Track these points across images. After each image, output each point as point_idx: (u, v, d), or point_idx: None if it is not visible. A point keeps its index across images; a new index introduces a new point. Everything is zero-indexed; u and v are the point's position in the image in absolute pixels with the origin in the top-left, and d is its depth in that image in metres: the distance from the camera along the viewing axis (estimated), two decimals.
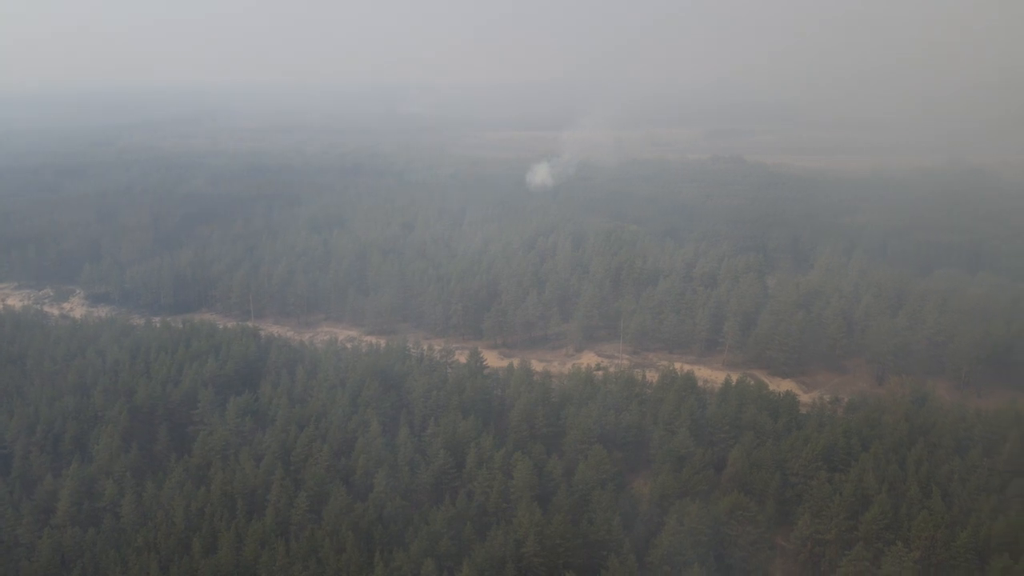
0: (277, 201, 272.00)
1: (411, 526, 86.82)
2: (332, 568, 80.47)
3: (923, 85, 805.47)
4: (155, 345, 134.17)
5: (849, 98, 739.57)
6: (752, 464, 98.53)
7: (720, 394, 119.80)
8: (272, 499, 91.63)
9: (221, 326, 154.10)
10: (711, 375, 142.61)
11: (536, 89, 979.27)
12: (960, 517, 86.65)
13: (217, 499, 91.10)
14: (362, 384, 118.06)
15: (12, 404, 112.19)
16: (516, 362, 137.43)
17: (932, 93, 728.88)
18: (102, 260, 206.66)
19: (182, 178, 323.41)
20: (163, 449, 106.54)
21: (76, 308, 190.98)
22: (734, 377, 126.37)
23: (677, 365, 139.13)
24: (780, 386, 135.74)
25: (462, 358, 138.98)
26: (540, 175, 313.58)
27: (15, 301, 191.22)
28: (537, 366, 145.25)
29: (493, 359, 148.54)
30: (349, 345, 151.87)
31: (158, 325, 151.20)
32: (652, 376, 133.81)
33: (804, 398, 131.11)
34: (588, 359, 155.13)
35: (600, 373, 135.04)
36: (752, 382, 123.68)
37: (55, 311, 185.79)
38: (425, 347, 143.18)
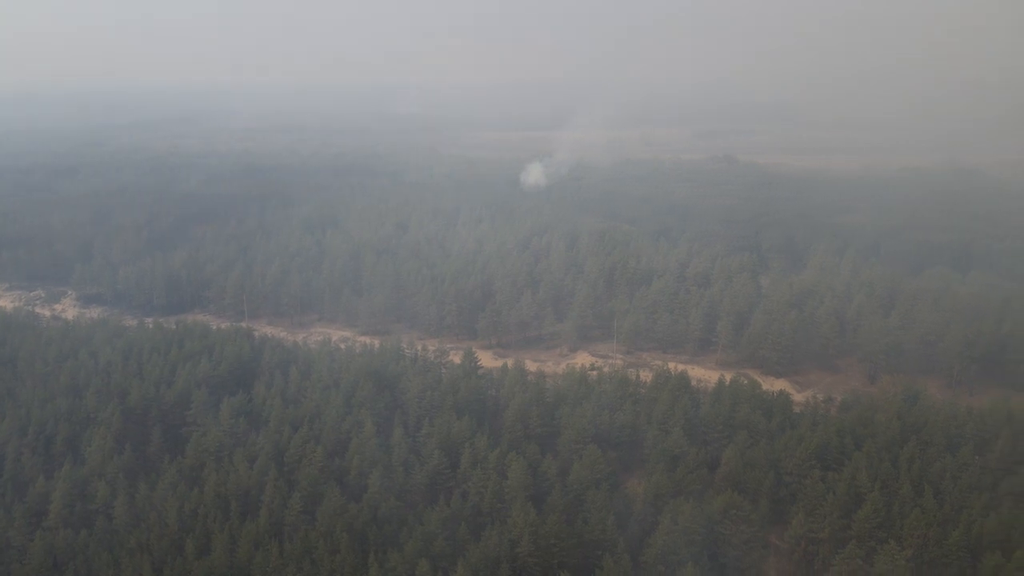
0: (271, 201, 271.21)
1: (405, 527, 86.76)
2: (326, 569, 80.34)
3: (919, 85, 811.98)
4: (148, 346, 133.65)
5: (847, 98, 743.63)
6: (746, 463, 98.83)
7: (714, 394, 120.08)
8: (266, 500, 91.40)
9: (214, 327, 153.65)
10: (705, 375, 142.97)
11: (533, 89, 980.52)
12: (952, 515, 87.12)
13: (211, 500, 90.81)
14: (356, 385, 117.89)
15: (4, 406, 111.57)
16: (510, 362, 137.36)
17: (929, 93, 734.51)
18: (94, 261, 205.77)
19: (175, 178, 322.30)
20: (156, 450, 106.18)
21: (68, 309, 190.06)
22: (728, 376, 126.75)
23: (671, 365, 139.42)
24: (773, 385, 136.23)
25: (456, 358, 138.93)
26: (534, 175, 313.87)
27: (6, 302, 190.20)
28: (531, 366, 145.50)
29: (487, 359, 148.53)
30: (343, 346, 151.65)
31: (151, 326, 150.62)
32: (646, 376, 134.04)
33: (797, 397, 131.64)
34: (582, 359, 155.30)
35: (594, 373, 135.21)
36: (746, 381, 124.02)
37: (47, 312, 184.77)
38: (419, 347, 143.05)
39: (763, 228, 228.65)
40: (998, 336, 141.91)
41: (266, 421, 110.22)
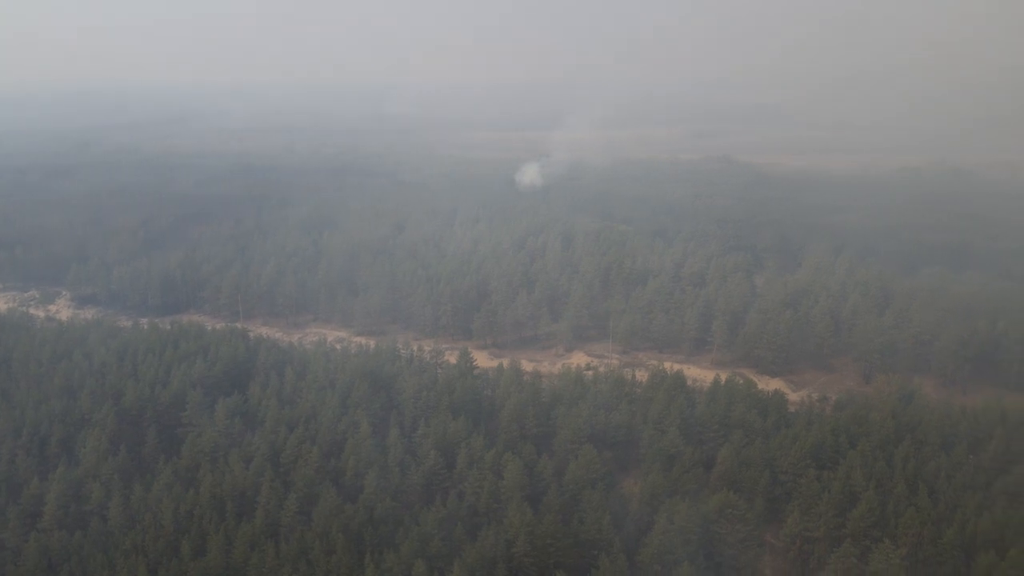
0: (267, 202, 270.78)
1: (401, 527, 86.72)
2: (322, 570, 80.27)
3: (915, 86, 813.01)
4: (143, 347, 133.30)
5: (843, 99, 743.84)
6: (741, 462, 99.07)
7: (709, 393, 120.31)
8: (262, 501, 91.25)
9: (209, 327, 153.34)
10: (700, 374, 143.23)
11: (530, 90, 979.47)
12: (946, 514, 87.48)
13: (206, 501, 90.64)
14: (352, 385, 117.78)
15: None
16: (506, 362, 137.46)
17: (925, 94, 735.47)
18: (89, 261, 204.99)
19: (171, 179, 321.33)
20: (151, 451, 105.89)
21: (62, 310, 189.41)
22: (723, 376, 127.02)
23: (666, 364, 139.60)
24: (769, 385, 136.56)
25: (452, 358, 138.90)
26: (530, 175, 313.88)
27: (0, 303, 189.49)
28: (527, 366, 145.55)
29: (483, 359, 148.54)
30: (338, 346, 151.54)
31: (146, 326, 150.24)
32: (642, 375, 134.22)
33: (792, 396, 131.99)
34: (578, 359, 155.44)
35: (590, 373, 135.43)
36: (741, 381, 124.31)
37: (41, 313, 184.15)
38: (415, 348, 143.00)
39: (758, 228, 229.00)
40: (992, 336, 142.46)
41: (262, 422, 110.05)
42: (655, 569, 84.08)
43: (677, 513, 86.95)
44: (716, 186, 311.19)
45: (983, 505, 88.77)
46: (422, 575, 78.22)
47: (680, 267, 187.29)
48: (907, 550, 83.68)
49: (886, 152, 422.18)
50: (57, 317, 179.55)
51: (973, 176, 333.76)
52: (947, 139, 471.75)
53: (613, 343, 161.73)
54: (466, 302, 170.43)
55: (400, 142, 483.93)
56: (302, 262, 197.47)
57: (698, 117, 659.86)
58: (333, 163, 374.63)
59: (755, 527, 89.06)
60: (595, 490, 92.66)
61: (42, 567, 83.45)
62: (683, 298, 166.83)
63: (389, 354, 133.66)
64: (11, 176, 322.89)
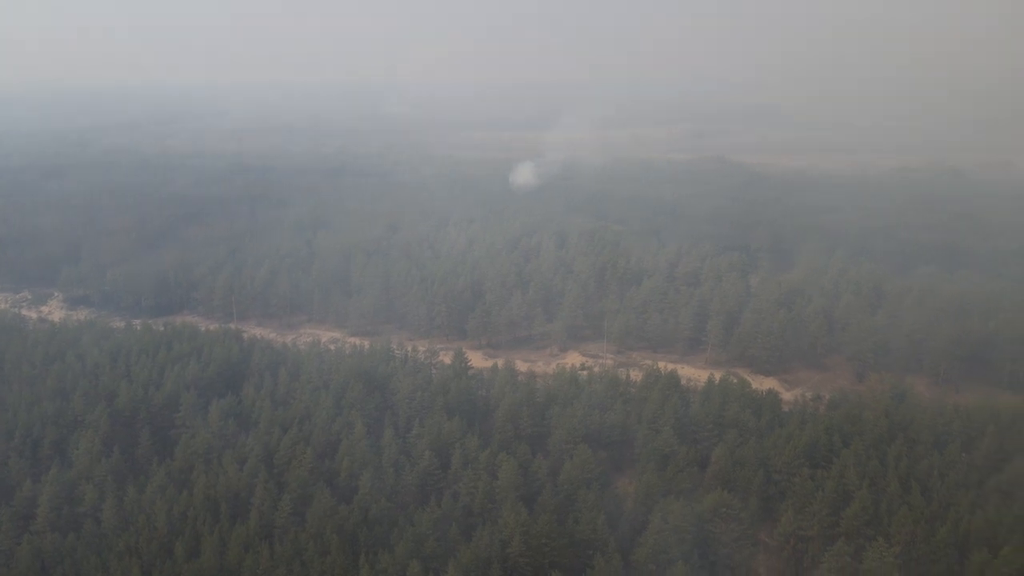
0: (261, 202, 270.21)
1: (396, 528, 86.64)
2: (317, 571, 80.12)
3: (909, 88, 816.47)
4: (136, 348, 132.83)
5: (838, 100, 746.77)
6: (735, 462, 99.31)
7: (703, 392, 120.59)
8: (256, 502, 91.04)
9: (203, 328, 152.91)
10: (694, 374, 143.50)
11: (525, 90, 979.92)
12: (939, 512, 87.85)
13: (200, 503, 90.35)
14: (346, 386, 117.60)
15: None
16: (501, 362, 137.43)
17: (924, 95, 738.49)
18: (82, 262, 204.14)
19: (164, 179, 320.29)
20: (145, 453, 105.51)
21: (55, 311, 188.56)
22: (717, 375, 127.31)
23: (661, 364, 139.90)
24: (762, 384, 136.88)
25: (446, 359, 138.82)
26: (524, 175, 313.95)
27: None
28: (522, 366, 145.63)
29: (477, 360, 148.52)
30: (332, 347, 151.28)
31: (139, 328, 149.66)
32: (636, 375, 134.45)
33: (786, 396, 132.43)
34: (572, 359, 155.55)
35: (585, 373, 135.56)
36: (735, 380, 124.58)
37: (33, 314, 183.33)
38: (409, 348, 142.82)
39: (752, 228, 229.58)
40: (984, 334, 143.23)
41: (255, 423, 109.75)
42: (650, 568, 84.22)
43: (672, 512, 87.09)
44: (710, 186, 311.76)
45: (976, 503, 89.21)
46: None
47: (674, 267, 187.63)
48: (900, 548, 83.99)
49: (882, 152, 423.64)
50: (50, 318, 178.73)
51: (966, 176, 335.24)
52: (942, 140, 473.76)
53: (608, 343, 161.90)
54: (460, 302, 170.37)
55: (397, 142, 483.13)
56: (296, 263, 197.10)
57: (698, 117, 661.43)
58: (329, 163, 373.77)
59: (749, 526, 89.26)
60: (590, 490, 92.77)
61: (35, 569, 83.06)
62: (677, 298, 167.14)
63: (383, 354, 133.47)
64: (5, 176, 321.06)
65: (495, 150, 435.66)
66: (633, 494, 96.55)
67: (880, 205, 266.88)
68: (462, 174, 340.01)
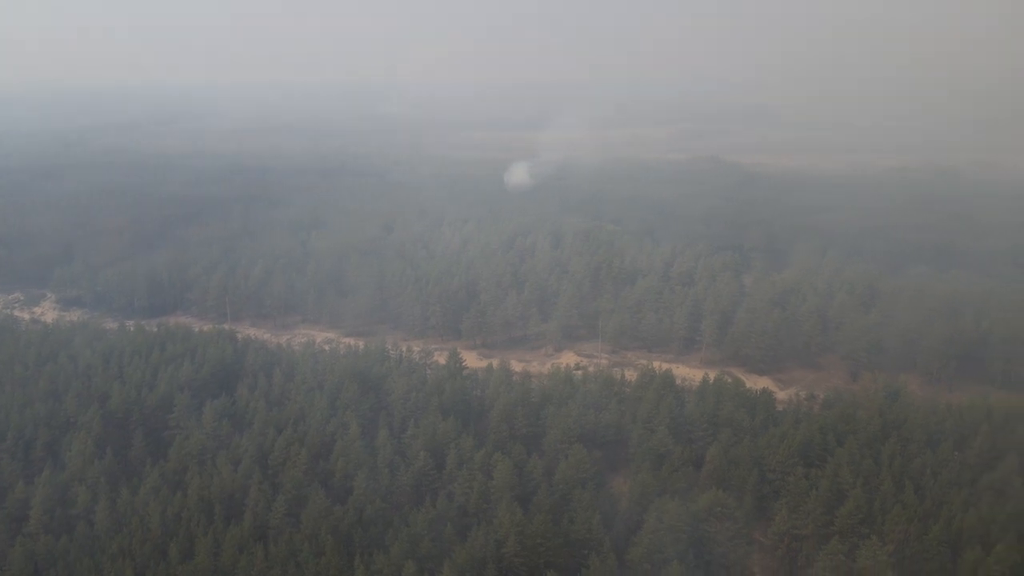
0: (255, 203, 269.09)
1: (391, 528, 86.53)
2: (312, 572, 79.95)
3: (903, 88, 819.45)
4: (129, 349, 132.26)
5: (844, 100, 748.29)
6: (730, 461, 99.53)
7: (698, 392, 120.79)
8: (250, 503, 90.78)
9: (197, 329, 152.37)
10: (689, 373, 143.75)
11: (521, 91, 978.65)
12: (932, 510, 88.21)
13: (194, 504, 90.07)
14: (340, 386, 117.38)
15: None
16: (495, 362, 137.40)
17: (922, 95, 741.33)
18: (75, 263, 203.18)
19: (158, 179, 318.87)
20: (138, 455, 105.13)
21: (47, 312, 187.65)
22: (712, 375, 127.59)
23: (656, 364, 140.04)
24: (757, 383, 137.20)
25: (441, 359, 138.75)
26: (519, 175, 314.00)
27: None
28: (516, 366, 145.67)
29: (472, 360, 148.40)
30: (327, 347, 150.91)
31: (132, 329, 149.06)
32: (631, 375, 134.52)
33: (780, 395, 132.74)
34: (567, 359, 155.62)
35: (579, 372, 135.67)
36: (729, 380, 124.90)
37: (25, 315, 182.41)
38: (404, 348, 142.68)
39: (746, 227, 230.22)
40: (977, 333, 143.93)
41: (250, 424, 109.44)
42: (645, 568, 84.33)
43: (666, 512, 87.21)
44: (705, 186, 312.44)
45: (969, 501, 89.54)
46: None
47: (669, 267, 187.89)
48: (894, 547, 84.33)
49: (882, 152, 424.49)
50: (42, 319, 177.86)
51: (959, 176, 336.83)
52: (943, 140, 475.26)
53: (602, 343, 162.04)
54: (455, 302, 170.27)
55: (395, 142, 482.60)
56: (290, 263, 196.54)
57: (698, 117, 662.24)
58: (322, 164, 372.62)
59: (744, 525, 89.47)
60: (585, 489, 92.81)
61: (28, 572, 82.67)
62: (672, 297, 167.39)
63: (378, 355, 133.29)
64: (0, 176, 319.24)
65: (495, 150, 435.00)
66: (628, 494, 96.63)
67: (874, 205, 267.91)
68: (459, 174, 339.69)
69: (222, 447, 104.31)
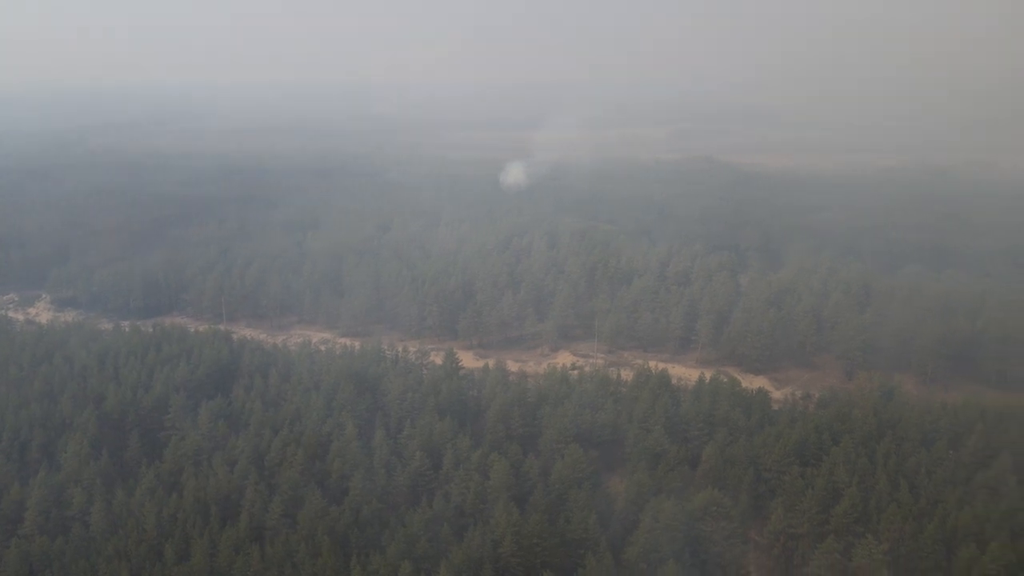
0: (251, 203, 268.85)
1: (388, 529, 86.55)
2: (308, 573, 79.94)
3: (897, 89, 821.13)
4: (124, 350, 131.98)
5: (844, 101, 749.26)
6: (726, 460, 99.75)
7: (694, 391, 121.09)
8: (246, 504, 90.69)
9: (192, 329, 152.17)
10: (685, 373, 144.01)
11: (517, 91, 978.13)
12: (927, 509, 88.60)
13: (190, 505, 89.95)
14: (337, 387, 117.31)
15: None
16: (492, 362, 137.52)
17: (920, 96, 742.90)
18: (70, 263, 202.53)
19: (153, 180, 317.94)
20: (134, 456, 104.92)
21: (42, 313, 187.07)
22: (707, 374, 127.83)
23: (651, 363, 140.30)
24: (752, 383, 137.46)
25: (437, 359, 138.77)
26: (515, 175, 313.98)
27: None
28: (513, 366, 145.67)
29: (468, 360, 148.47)
30: (323, 347, 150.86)
31: (127, 329, 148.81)
32: (627, 375, 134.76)
33: (776, 394, 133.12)
34: (563, 358, 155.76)
35: (575, 372, 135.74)
36: (725, 379, 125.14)
37: (20, 316, 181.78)
38: (400, 348, 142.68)
39: (742, 227, 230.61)
40: (971, 333, 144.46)
41: (246, 424, 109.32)
42: (641, 567, 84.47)
43: (662, 511, 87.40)
44: (701, 186, 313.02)
45: (963, 500, 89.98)
46: None
47: (665, 266, 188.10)
48: (889, 545, 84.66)
49: (878, 153, 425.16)
50: (37, 320, 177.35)
51: (954, 176, 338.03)
52: (942, 140, 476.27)
53: (598, 342, 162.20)
54: (451, 302, 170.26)
55: (386, 142, 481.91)
56: (286, 263, 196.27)
57: (698, 117, 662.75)
58: (319, 164, 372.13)
59: (740, 524, 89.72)
60: (581, 489, 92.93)
61: (23, 574, 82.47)
62: (668, 297, 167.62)
63: (374, 355, 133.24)
64: None
65: (494, 150, 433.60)
66: (624, 493, 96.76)
67: (869, 205, 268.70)
68: (457, 174, 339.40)
69: (218, 448, 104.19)
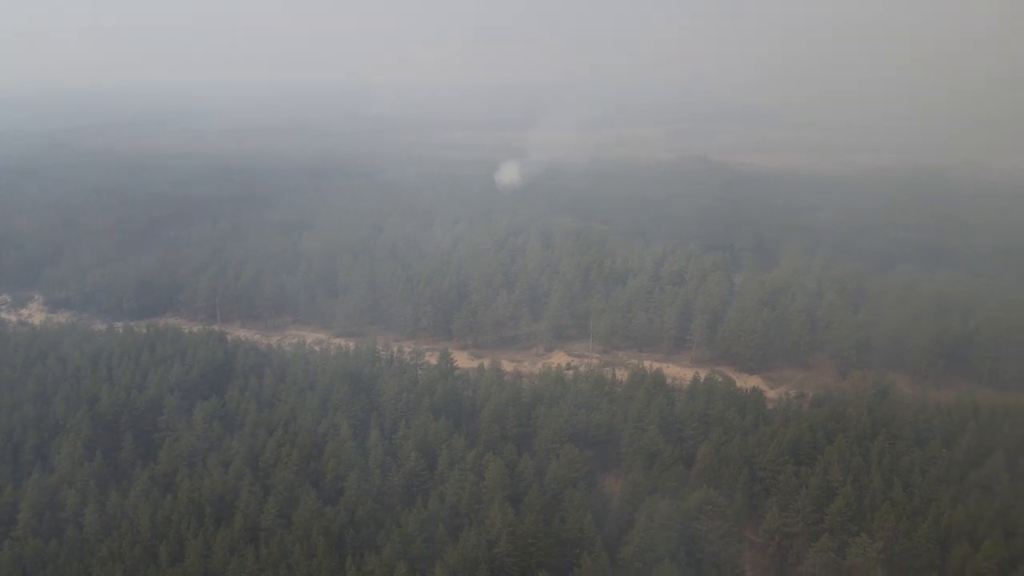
0: (246, 203, 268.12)
1: (383, 529, 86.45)
2: (303, 574, 79.79)
3: (892, 89, 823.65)
4: (118, 351, 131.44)
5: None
6: (721, 459, 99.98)
7: (689, 391, 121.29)
8: (241, 505, 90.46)
9: (186, 330, 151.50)
10: (679, 372, 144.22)
11: (514, 91, 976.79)
12: (921, 507, 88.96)
13: (184, 507, 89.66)
14: (331, 387, 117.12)
15: None
16: (487, 362, 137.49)
17: (925, 96, 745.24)
18: (63, 264, 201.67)
19: (147, 180, 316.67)
20: (128, 457, 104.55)
21: (35, 314, 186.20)
22: (702, 374, 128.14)
23: (646, 363, 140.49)
24: (747, 382, 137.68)
25: (432, 359, 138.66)
26: (510, 175, 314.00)
27: None
28: (508, 366, 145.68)
29: (463, 360, 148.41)
30: (318, 348, 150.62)
31: (121, 330, 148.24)
32: (622, 374, 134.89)
33: (770, 394, 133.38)
34: (558, 358, 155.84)
35: (570, 372, 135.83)
36: (720, 379, 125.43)
37: (13, 318, 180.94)
38: (395, 349, 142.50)
39: (736, 227, 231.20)
40: (964, 332, 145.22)
41: (240, 425, 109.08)
42: (636, 567, 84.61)
43: (658, 511, 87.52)
44: (695, 186, 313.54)
45: (957, 498, 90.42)
46: None
47: (659, 266, 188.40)
48: (883, 543, 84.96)
49: (878, 153, 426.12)
50: (30, 321, 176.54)
51: (948, 176, 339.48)
52: (938, 140, 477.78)
53: (593, 342, 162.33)
54: (446, 302, 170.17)
55: (381, 142, 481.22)
56: (281, 264, 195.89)
57: (698, 117, 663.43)
58: (313, 164, 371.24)
59: (735, 523, 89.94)
60: (576, 489, 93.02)
61: (17, 575, 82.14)
62: (662, 297, 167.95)
63: (369, 355, 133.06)
64: None
65: (493, 150, 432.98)
66: (619, 493, 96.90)
67: (862, 204, 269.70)
68: (452, 174, 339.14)
69: (212, 449, 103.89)
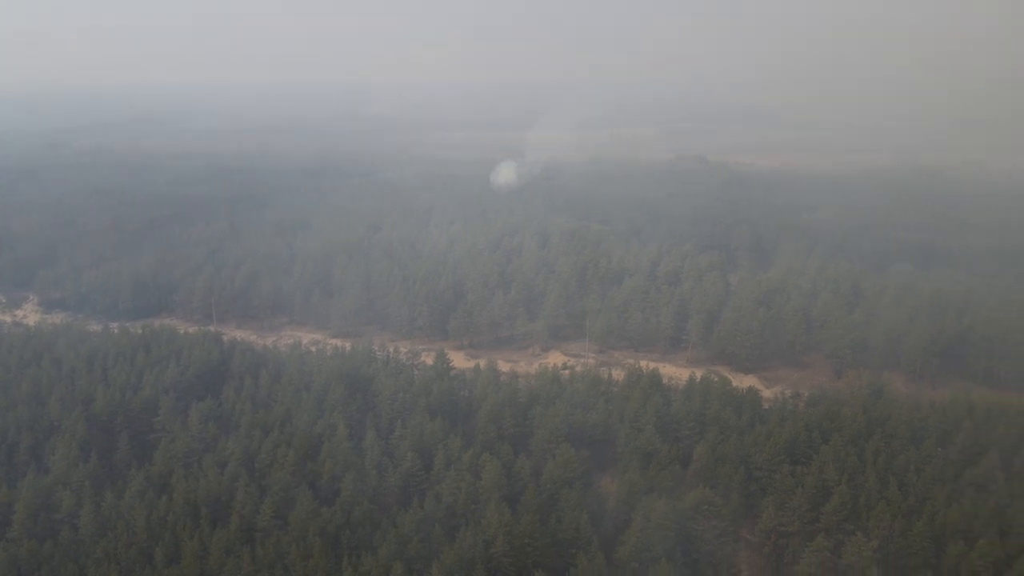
0: (243, 203, 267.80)
1: (379, 530, 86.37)
2: (299, 574, 79.69)
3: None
4: (113, 352, 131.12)
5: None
6: (717, 459, 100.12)
7: (685, 391, 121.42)
8: (236, 506, 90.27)
9: (182, 331, 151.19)
10: (676, 372, 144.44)
11: (512, 91, 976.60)
12: (916, 506, 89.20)
13: (180, 508, 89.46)
14: (327, 387, 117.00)
15: None
16: (483, 363, 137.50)
17: (925, 96, 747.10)
18: (58, 265, 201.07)
19: (142, 180, 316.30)
20: (123, 458, 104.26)
21: (30, 315, 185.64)
22: (698, 374, 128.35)
23: (642, 363, 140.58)
24: (743, 382, 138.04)
25: (428, 359, 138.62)
26: (506, 175, 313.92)
27: None
28: (504, 366, 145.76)
29: (460, 360, 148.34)
30: (314, 348, 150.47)
31: (116, 331, 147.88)
32: (618, 374, 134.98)
33: (766, 393, 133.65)
34: (554, 358, 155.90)
35: (567, 372, 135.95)
36: (716, 378, 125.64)
37: (7, 318, 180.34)
38: (391, 349, 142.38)
39: (733, 227, 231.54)
40: (959, 331, 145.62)
41: (236, 426, 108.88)
42: (633, 567, 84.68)
43: (654, 510, 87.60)
44: (691, 186, 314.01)
45: (952, 497, 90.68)
46: None
47: (655, 266, 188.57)
48: (879, 542, 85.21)
49: (878, 153, 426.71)
50: (24, 322, 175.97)
51: (944, 175, 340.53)
52: (938, 140, 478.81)
53: (589, 342, 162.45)
54: (442, 303, 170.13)
55: (378, 142, 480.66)
56: (277, 264, 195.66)
57: (697, 117, 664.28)
58: (310, 164, 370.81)
59: (731, 523, 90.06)
60: (572, 489, 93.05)
61: None
62: (658, 297, 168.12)
63: (365, 356, 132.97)
64: None
65: (493, 150, 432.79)
66: (615, 493, 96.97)
67: (857, 204, 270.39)
68: (449, 174, 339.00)
69: (208, 450, 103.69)
